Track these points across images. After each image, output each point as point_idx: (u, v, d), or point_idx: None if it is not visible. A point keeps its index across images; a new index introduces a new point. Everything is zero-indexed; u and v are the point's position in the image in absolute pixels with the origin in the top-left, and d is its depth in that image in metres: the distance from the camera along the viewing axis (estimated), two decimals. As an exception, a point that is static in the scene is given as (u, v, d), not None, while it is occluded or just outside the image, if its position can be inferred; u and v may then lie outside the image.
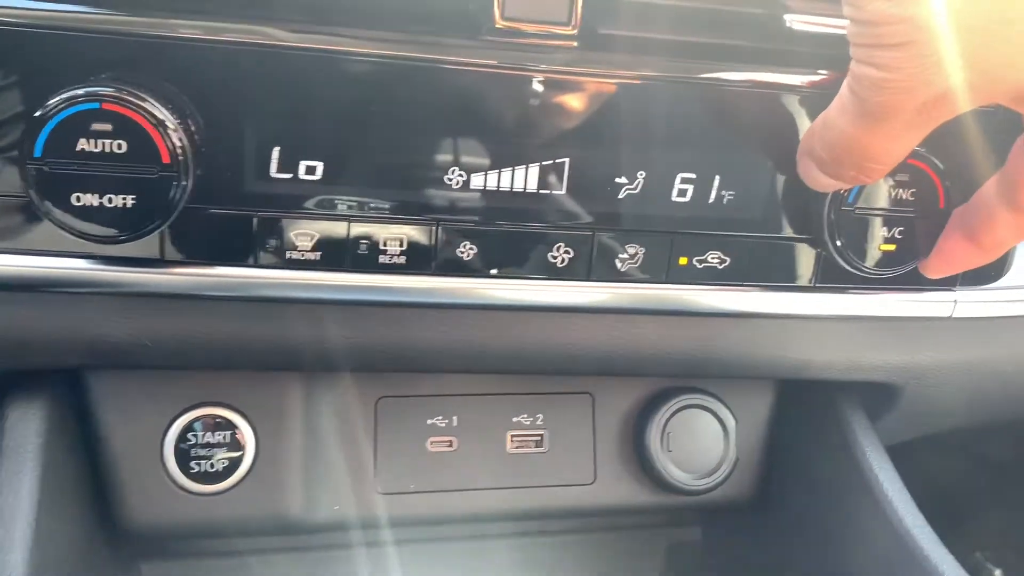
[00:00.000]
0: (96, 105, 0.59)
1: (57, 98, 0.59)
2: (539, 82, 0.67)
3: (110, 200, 0.60)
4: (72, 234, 0.61)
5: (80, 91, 0.59)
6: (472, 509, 0.85)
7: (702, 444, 0.89)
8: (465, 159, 0.68)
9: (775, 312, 0.76)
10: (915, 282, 0.77)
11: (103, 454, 0.77)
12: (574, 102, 0.69)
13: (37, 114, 0.59)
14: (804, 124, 0.72)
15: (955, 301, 0.79)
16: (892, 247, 0.72)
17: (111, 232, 0.61)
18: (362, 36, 0.65)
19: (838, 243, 0.71)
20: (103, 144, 0.59)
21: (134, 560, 0.85)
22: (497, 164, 0.69)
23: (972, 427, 1.01)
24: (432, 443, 0.85)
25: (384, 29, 0.65)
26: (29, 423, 0.71)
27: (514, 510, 0.86)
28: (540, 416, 0.88)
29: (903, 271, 0.73)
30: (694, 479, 0.88)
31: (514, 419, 0.87)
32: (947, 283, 0.78)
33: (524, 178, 0.69)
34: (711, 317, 0.76)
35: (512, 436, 0.87)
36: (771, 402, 0.93)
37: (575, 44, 0.67)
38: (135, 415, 0.77)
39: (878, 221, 0.71)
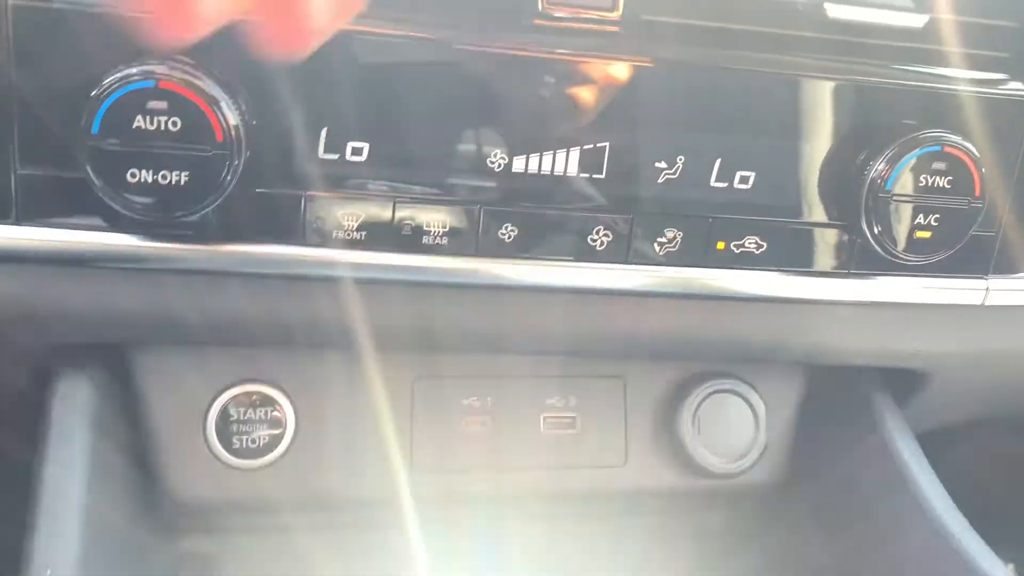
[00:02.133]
0: (152, 83, 0.60)
1: (113, 77, 0.60)
2: (581, 67, 0.69)
3: (164, 177, 0.62)
4: (126, 211, 0.63)
5: (135, 70, 0.60)
6: (506, 488, 0.87)
7: (732, 428, 0.90)
8: (507, 143, 0.69)
9: (810, 297, 0.77)
10: (948, 269, 0.78)
11: (148, 428, 0.79)
12: (615, 87, 0.70)
13: (94, 93, 0.60)
14: (842, 112, 0.73)
15: (987, 289, 0.80)
16: (927, 234, 0.73)
17: (165, 209, 0.63)
18: (409, 20, 0.66)
19: (876, 229, 0.72)
20: (158, 122, 0.61)
21: (172, 535, 0.86)
22: (538, 148, 0.70)
23: (997, 417, 1.02)
24: (467, 423, 0.86)
25: (431, 14, 0.66)
26: (77, 396, 0.73)
27: (546, 490, 0.88)
28: (572, 398, 0.89)
29: (938, 258, 0.74)
30: (724, 463, 0.89)
31: (547, 401, 0.88)
32: (979, 270, 0.79)
33: (565, 162, 0.71)
34: (746, 302, 0.77)
35: (545, 418, 0.88)
36: (800, 388, 0.94)
37: (618, 29, 0.69)
38: (179, 391, 0.79)
39: (914, 208, 0.72)
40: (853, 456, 0.89)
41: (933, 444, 0.89)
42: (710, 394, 0.89)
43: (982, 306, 0.80)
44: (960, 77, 0.75)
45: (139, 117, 0.60)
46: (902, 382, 0.89)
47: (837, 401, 0.92)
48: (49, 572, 0.60)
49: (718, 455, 0.89)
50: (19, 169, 0.64)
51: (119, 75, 0.60)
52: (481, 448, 0.86)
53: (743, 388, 0.90)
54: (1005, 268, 0.80)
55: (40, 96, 0.62)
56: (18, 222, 0.65)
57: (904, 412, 0.90)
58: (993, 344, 0.85)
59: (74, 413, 0.72)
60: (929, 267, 0.76)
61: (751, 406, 0.90)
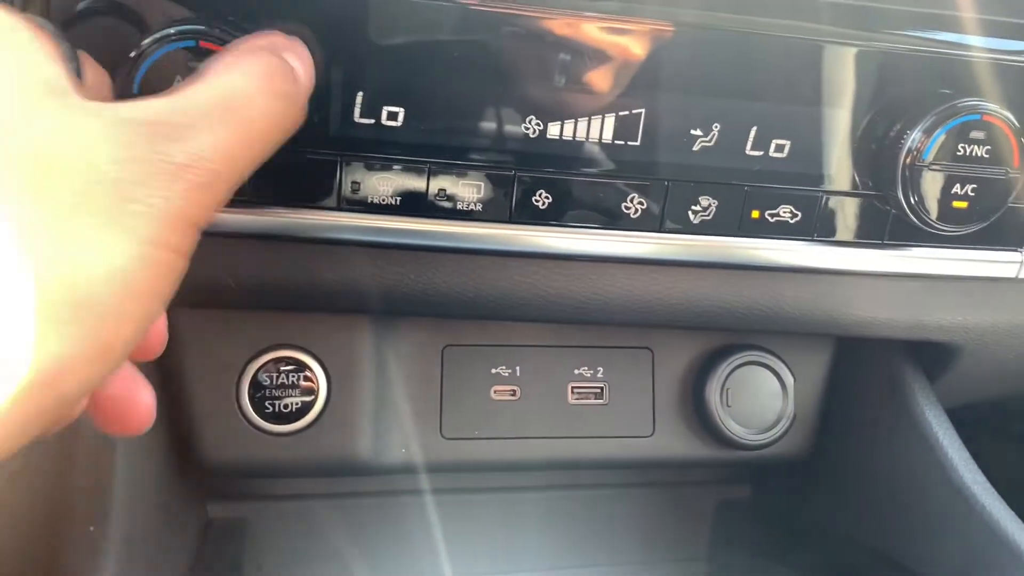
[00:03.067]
0: (193, 43, 0.60)
1: (152, 37, 0.60)
2: (617, 32, 0.68)
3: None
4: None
5: (173, 30, 0.60)
6: (533, 457, 0.87)
7: (761, 400, 0.90)
8: (542, 109, 0.69)
9: (844, 268, 0.76)
10: (982, 241, 0.77)
11: (182, 390, 0.79)
12: (651, 52, 0.69)
13: (133, 54, 0.60)
14: (879, 81, 0.72)
15: (1022, 263, 0.79)
16: (964, 204, 0.72)
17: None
18: None
19: (912, 199, 0.71)
20: (198, 83, 0.61)
21: (203, 499, 0.87)
22: (573, 114, 0.70)
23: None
24: (496, 392, 0.87)
25: None
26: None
27: (574, 459, 0.88)
28: (600, 369, 0.89)
29: (973, 229, 0.74)
30: (752, 434, 0.89)
31: (575, 371, 0.88)
32: (1014, 243, 0.79)
33: (600, 129, 0.70)
34: (779, 272, 0.77)
35: (573, 387, 0.88)
36: (828, 361, 0.94)
37: (655, -6, 0.68)
38: (213, 354, 0.79)
39: (952, 178, 0.72)
40: (881, 429, 0.89)
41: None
42: (739, 366, 0.89)
43: (1016, 279, 0.80)
44: (994, 46, 0.74)
45: (178, 77, 0.61)
46: (932, 356, 0.89)
47: (866, 374, 0.92)
48: (92, 529, 0.61)
49: (746, 426, 0.89)
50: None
51: (158, 35, 0.60)
52: (510, 417, 0.87)
53: (771, 360, 0.90)
54: (1040, 241, 0.79)
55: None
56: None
57: (933, 386, 0.89)
58: (1025, 318, 0.85)
59: None
60: (964, 239, 0.76)
61: (779, 378, 0.90)
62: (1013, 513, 0.78)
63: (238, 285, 0.71)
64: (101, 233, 0.38)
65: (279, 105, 0.51)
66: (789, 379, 0.90)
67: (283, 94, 0.52)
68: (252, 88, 0.50)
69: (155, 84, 0.60)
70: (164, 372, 0.79)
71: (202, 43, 0.60)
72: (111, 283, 0.39)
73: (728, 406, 0.89)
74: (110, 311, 0.39)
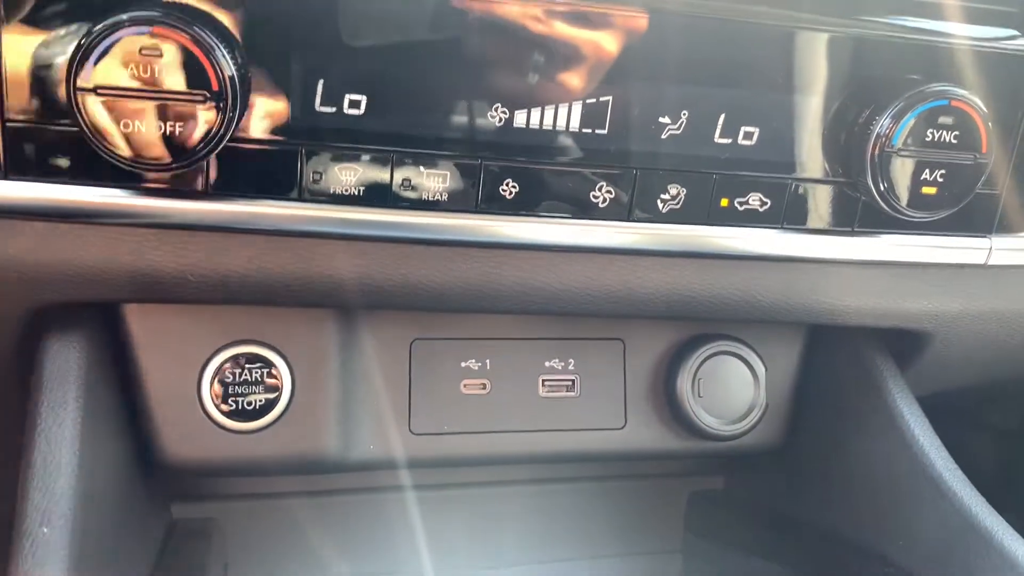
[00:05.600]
0: (147, 29, 0.58)
1: (104, 23, 0.58)
2: (584, 18, 0.67)
3: (159, 127, 0.60)
4: (120, 162, 0.61)
5: (126, 16, 0.59)
6: (504, 451, 0.86)
7: (732, 390, 0.89)
8: (508, 97, 0.68)
9: (813, 256, 0.76)
10: (951, 228, 0.77)
11: (141, 389, 0.77)
12: (618, 40, 0.68)
13: (83, 41, 0.58)
14: (847, 67, 0.72)
15: (990, 248, 0.79)
16: (933, 190, 0.72)
17: (159, 160, 0.61)
18: None
19: (882, 186, 0.71)
20: (152, 70, 0.59)
21: (165, 500, 0.85)
22: (539, 102, 0.69)
23: (994, 382, 1.02)
24: (466, 385, 0.85)
25: None
26: (70, 355, 0.71)
27: (545, 452, 0.87)
28: (572, 361, 0.88)
29: (943, 215, 0.73)
30: (724, 424, 0.89)
31: (546, 363, 0.87)
32: (982, 229, 0.79)
33: (567, 117, 0.69)
34: (749, 260, 0.76)
35: (544, 380, 0.87)
36: (800, 350, 0.94)
37: (621, -20, 0.67)
38: (173, 351, 0.77)
39: (920, 164, 0.71)
40: (854, 419, 0.89)
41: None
42: (710, 356, 0.89)
43: (984, 266, 0.80)
44: (965, 32, 0.74)
45: (132, 65, 0.59)
46: (903, 343, 0.89)
47: (837, 363, 0.91)
48: (45, 530, 0.59)
49: (718, 417, 0.89)
50: (7, 121, 0.62)
51: (110, 21, 0.58)
52: (479, 410, 0.86)
53: (743, 350, 0.90)
54: (1008, 227, 0.80)
55: (29, 43, 0.61)
56: (6, 176, 0.63)
57: (905, 375, 0.89)
58: (995, 304, 0.85)
59: (65, 375, 0.70)
60: (933, 225, 0.76)
61: (751, 368, 0.90)
62: (984, 499, 0.78)
63: (197, 279, 0.70)
64: None
65: None
66: (761, 369, 0.90)
67: None
68: None
69: (108, 71, 0.59)
70: (123, 370, 0.77)
71: (155, 29, 0.59)
72: None
73: (700, 396, 0.88)
74: None
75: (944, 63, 0.73)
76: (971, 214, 0.77)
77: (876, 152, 0.70)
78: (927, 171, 0.72)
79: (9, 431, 0.73)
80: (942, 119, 0.70)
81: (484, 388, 0.86)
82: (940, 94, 0.70)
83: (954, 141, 0.71)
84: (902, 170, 0.71)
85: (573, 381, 0.88)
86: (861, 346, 0.90)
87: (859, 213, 0.76)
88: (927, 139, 0.71)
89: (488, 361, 0.86)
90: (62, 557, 0.59)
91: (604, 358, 0.89)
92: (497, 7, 0.66)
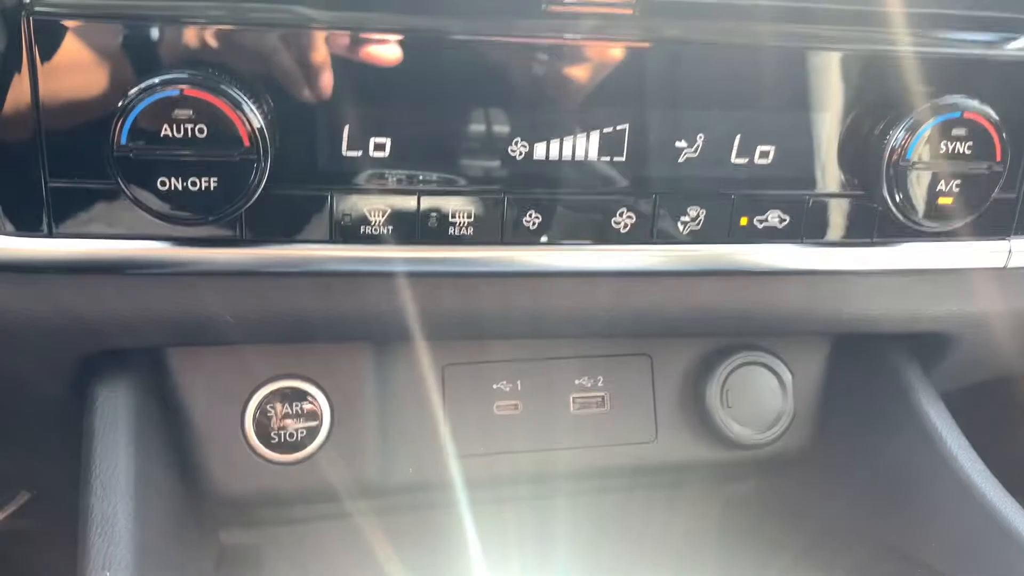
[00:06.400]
0: (176, 92, 0.61)
1: (138, 87, 0.61)
2: (596, 51, 0.69)
3: (194, 184, 0.63)
4: (157, 218, 0.64)
5: (158, 80, 0.61)
6: (539, 469, 0.88)
7: (760, 399, 0.91)
8: (527, 130, 0.70)
9: (834, 268, 0.77)
10: (970, 233, 0.78)
11: (188, 427, 0.80)
12: (632, 69, 0.70)
13: (120, 104, 0.61)
14: (859, 82, 0.73)
15: (1009, 251, 0.80)
16: (949, 200, 0.73)
17: (195, 215, 0.64)
18: (421, 13, 0.66)
19: (897, 198, 0.72)
20: (185, 129, 0.62)
21: (214, 530, 0.88)
22: (558, 134, 0.70)
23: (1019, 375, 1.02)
24: (499, 407, 0.88)
25: (442, 6, 0.67)
26: (118, 400, 0.74)
27: (579, 469, 0.89)
28: (600, 378, 0.90)
29: (959, 224, 0.74)
30: (753, 433, 0.90)
31: (576, 382, 0.89)
32: (1001, 232, 0.80)
33: (585, 146, 0.71)
34: (772, 275, 0.78)
35: (575, 398, 0.89)
36: (825, 356, 0.95)
37: (631, 11, 0.69)
38: (216, 389, 0.80)
39: (935, 176, 0.72)
40: (881, 422, 0.90)
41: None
42: (737, 367, 0.90)
43: (1004, 268, 0.80)
44: (975, 40, 0.75)
45: (166, 126, 0.61)
46: (927, 346, 0.90)
47: (863, 368, 0.93)
48: (108, 574, 0.62)
49: (747, 426, 0.90)
50: (50, 182, 0.65)
51: (143, 85, 0.61)
52: (513, 431, 0.87)
53: (770, 359, 0.91)
54: (1027, 228, 0.80)
55: (66, 109, 0.63)
56: (51, 234, 0.66)
57: (929, 375, 0.90)
58: (1017, 304, 0.85)
59: (115, 418, 0.73)
60: (951, 232, 0.77)
61: (778, 376, 0.91)
62: (1013, 499, 0.79)
63: (236, 321, 0.72)
64: None
65: None
66: (787, 377, 0.91)
67: None
68: None
69: (143, 133, 0.61)
70: (170, 409, 0.80)
71: (185, 91, 0.61)
72: None
73: (728, 407, 0.90)
74: None
75: (955, 73, 0.74)
76: (989, 219, 0.77)
77: (891, 165, 0.72)
78: (942, 182, 0.72)
79: (71, 471, 0.76)
80: (955, 131, 0.71)
81: (516, 408, 0.88)
82: (952, 106, 0.71)
83: (968, 152, 0.72)
84: (917, 182, 0.72)
85: (603, 397, 0.90)
86: (886, 350, 0.91)
87: (877, 224, 0.77)
88: (941, 151, 0.72)
89: (519, 382, 0.88)
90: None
91: (632, 374, 0.90)
92: (509, 45, 0.67)
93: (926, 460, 0.85)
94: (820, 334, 0.93)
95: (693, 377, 0.92)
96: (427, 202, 0.70)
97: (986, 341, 0.87)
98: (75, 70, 0.63)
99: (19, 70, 0.62)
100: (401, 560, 0.88)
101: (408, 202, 0.70)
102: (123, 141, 0.61)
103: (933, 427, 0.85)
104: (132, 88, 0.61)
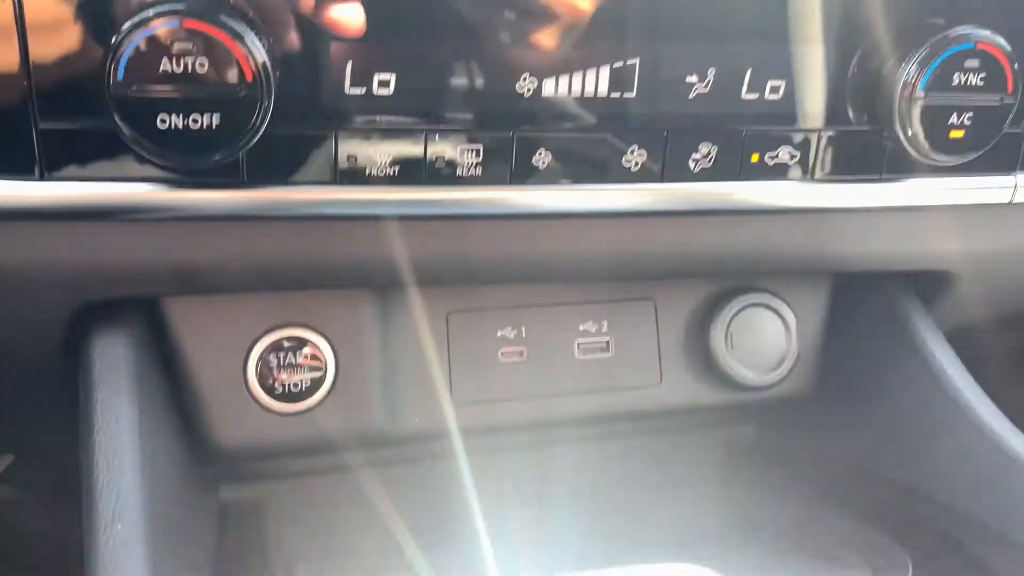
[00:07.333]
0: (177, 23, 0.58)
1: (133, 20, 0.58)
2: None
3: (195, 121, 0.60)
4: (156, 158, 0.61)
5: (153, 12, 0.58)
6: (545, 415, 0.87)
7: (765, 341, 0.90)
8: (535, 66, 0.68)
9: (845, 205, 0.77)
10: (977, 169, 0.78)
11: (189, 378, 0.78)
12: (642, 1, 0.68)
13: (115, 39, 0.58)
14: (870, 14, 0.72)
15: (1015, 186, 0.80)
16: (960, 134, 0.73)
17: (197, 155, 0.61)
18: None
19: (909, 132, 0.71)
20: (185, 63, 0.59)
21: (218, 483, 0.87)
22: (567, 69, 0.68)
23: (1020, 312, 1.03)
24: (503, 354, 0.86)
25: None
26: (117, 351, 0.72)
27: (585, 414, 0.89)
28: (605, 323, 0.89)
29: (972, 157, 0.74)
30: (758, 375, 0.90)
31: (580, 327, 0.88)
32: (1007, 168, 0.80)
33: (595, 82, 0.69)
34: (780, 214, 0.77)
35: (579, 344, 0.88)
36: (828, 297, 0.95)
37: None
38: (217, 339, 0.78)
39: (947, 109, 0.72)
40: (885, 360, 0.90)
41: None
42: (741, 309, 0.90)
43: (1010, 204, 0.80)
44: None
45: (165, 60, 0.58)
46: (929, 284, 0.90)
47: (866, 307, 0.93)
48: (119, 526, 0.60)
49: (751, 368, 0.90)
50: (40, 123, 0.62)
51: (139, 18, 0.58)
52: (518, 377, 0.87)
53: (773, 301, 0.91)
54: (1033, 164, 0.80)
55: (56, 43, 0.60)
56: (43, 178, 0.63)
57: (931, 313, 0.91)
58: (1021, 241, 0.86)
59: (116, 371, 0.71)
60: (959, 167, 0.76)
61: (782, 318, 0.91)
62: (1019, 431, 0.80)
63: (237, 269, 0.70)
64: None
65: None
66: (791, 318, 0.91)
67: None
68: None
69: (141, 68, 0.58)
70: (170, 361, 0.78)
71: (185, 23, 0.58)
72: None
73: (733, 349, 0.90)
74: None
75: (965, 3, 0.73)
76: (997, 154, 0.77)
77: (903, 99, 0.71)
78: (954, 115, 0.72)
79: (55, 432, 0.74)
80: (968, 62, 0.71)
81: (521, 355, 0.87)
82: (965, 38, 0.70)
83: (980, 84, 0.71)
84: (929, 115, 0.72)
85: (607, 342, 0.89)
86: (888, 288, 0.91)
87: (886, 160, 0.76)
88: (953, 83, 0.71)
89: (523, 329, 0.87)
90: (139, 551, 0.60)
91: (637, 318, 0.90)
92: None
93: (930, 394, 0.85)
94: (824, 274, 0.93)
95: (697, 320, 0.91)
96: (434, 142, 0.68)
97: (989, 278, 0.88)
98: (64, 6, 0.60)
99: (2, -1, 0.59)
100: (405, 513, 0.87)
101: (415, 143, 0.68)
102: (119, 77, 0.58)
103: (936, 362, 0.85)
104: (127, 20, 0.58)
